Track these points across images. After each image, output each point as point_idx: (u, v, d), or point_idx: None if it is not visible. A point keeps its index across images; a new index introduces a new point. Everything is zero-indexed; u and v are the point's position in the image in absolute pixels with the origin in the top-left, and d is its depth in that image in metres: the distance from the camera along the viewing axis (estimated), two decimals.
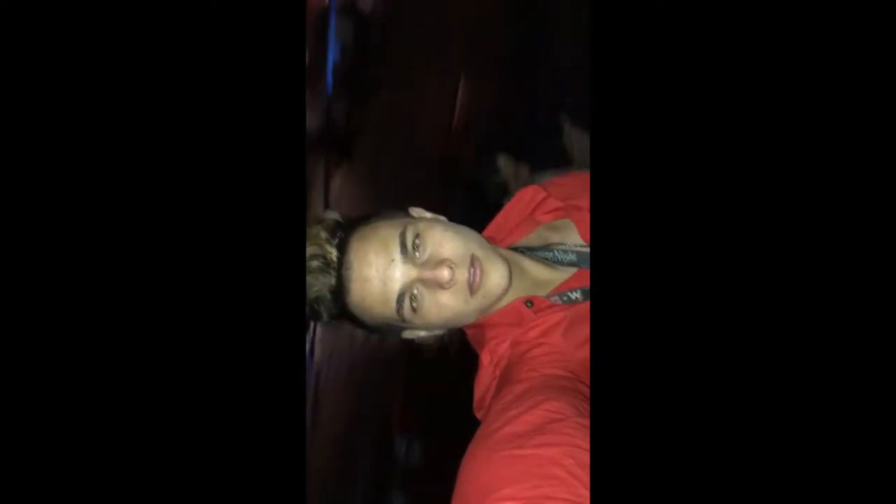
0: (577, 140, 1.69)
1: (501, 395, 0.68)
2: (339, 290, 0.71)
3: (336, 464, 1.60)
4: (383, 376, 1.71)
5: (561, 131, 1.73)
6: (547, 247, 0.81)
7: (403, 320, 0.72)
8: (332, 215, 0.74)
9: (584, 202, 0.80)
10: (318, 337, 1.41)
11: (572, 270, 0.78)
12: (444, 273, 0.69)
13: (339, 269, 0.71)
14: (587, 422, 0.57)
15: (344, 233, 0.73)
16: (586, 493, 0.50)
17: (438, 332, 0.80)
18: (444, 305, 0.71)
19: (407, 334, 0.80)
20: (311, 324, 1.26)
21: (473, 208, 1.26)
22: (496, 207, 0.85)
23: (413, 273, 0.70)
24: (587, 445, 0.54)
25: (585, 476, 0.51)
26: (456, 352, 0.88)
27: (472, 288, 0.71)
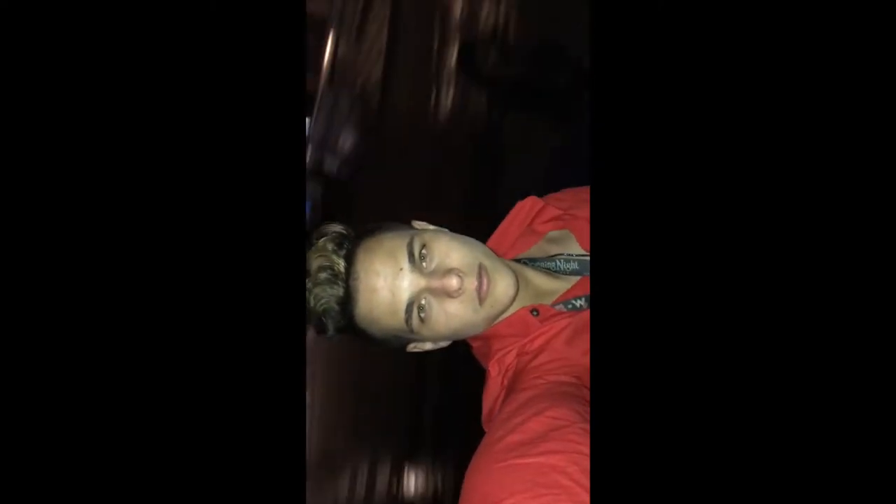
0: None
1: (506, 403, 0.68)
2: (347, 302, 0.72)
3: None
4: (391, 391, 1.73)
5: None
6: (549, 258, 0.81)
7: (412, 331, 0.72)
8: (338, 227, 0.75)
9: (583, 212, 0.80)
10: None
11: (575, 279, 0.78)
12: (453, 282, 0.69)
13: (347, 279, 0.71)
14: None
15: (350, 244, 0.73)
16: (590, 501, 0.49)
17: (444, 344, 0.80)
18: (453, 315, 0.71)
19: (413, 347, 0.80)
20: None
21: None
22: None
23: (421, 282, 0.70)
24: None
25: (590, 483, 0.50)
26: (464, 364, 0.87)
27: (481, 297, 0.71)
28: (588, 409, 0.61)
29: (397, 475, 1.78)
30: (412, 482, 1.78)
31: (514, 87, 2.02)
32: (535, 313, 0.74)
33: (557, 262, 0.80)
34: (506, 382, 0.74)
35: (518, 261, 0.81)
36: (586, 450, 0.54)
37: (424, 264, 0.71)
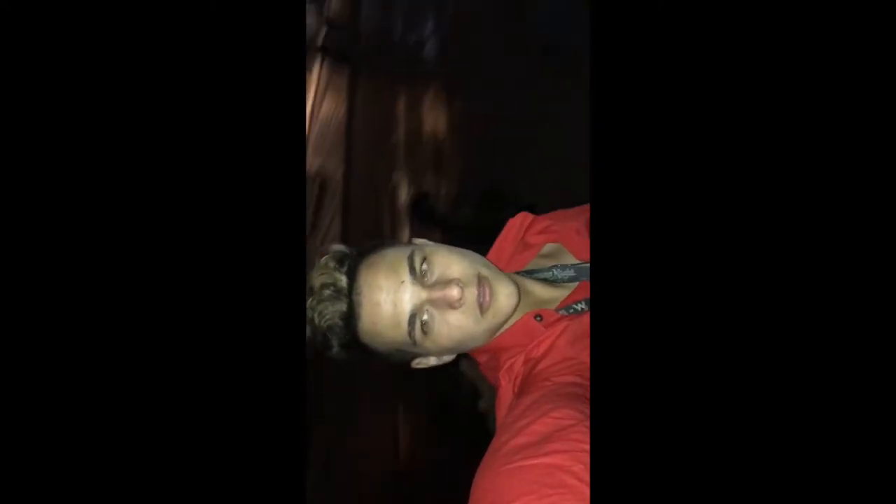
0: None
1: (513, 407, 0.68)
2: (351, 317, 0.73)
3: None
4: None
5: None
6: (545, 269, 0.82)
7: (415, 343, 0.73)
8: (339, 246, 0.76)
9: (572, 222, 0.82)
10: None
11: (573, 286, 0.79)
12: (454, 292, 0.70)
13: (350, 294, 0.72)
14: None
15: (352, 261, 0.74)
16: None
17: (448, 358, 0.81)
18: (455, 326, 0.72)
19: (417, 363, 0.81)
20: None
21: None
22: None
23: (423, 294, 0.71)
24: None
25: None
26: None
27: (483, 307, 0.72)
28: None
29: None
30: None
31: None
32: (538, 319, 0.75)
33: (554, 271, 0.81)
34: (516, 390, 0.74)
35: (516, 274, 0.82)
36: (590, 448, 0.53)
37: (426, 277, 0.72)
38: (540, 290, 0.80)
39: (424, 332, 0.72)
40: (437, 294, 0.71)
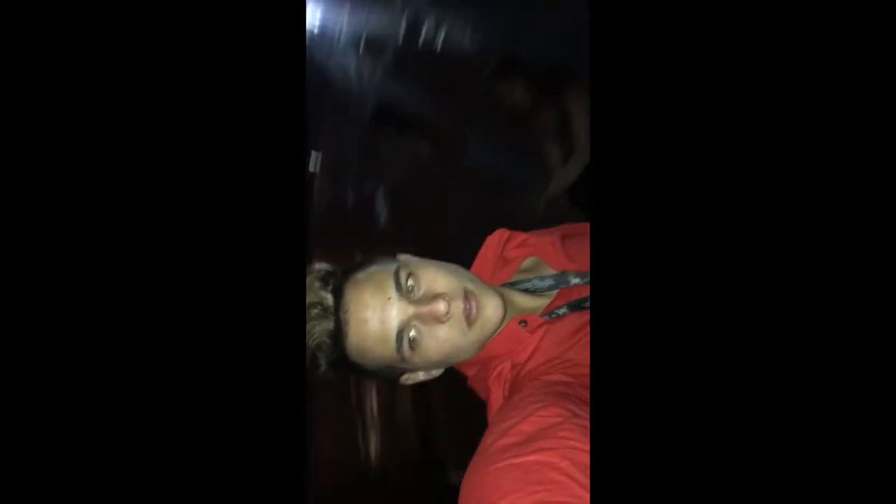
0: None
1: (502, 408, 0.69)
2: (338, 335, 0.73)
3: None
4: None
5: None
6: (525, 280, 0.84)
7: (403, 359, 0.73)
8: (323, 266, 0.76)
9: (548, 235, 0.84)
10: None
11: (553, 294, 0.81)
12: (441, 306, 0.70)
13: (337, 313, 0.72)
14: (585, 422, 0.58)
15: (337, 280, 0.74)
16: (585, 494, 0.50)
17: (437, 372, 0.81)
18: (443, 340, 0.72)
19: (406, 379, 0.80)
20: None
21: None
22: None
23: (410, 310, 0.72)
24: (584, 446, 0.54)
25: (583, 476, 0.51)
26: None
27: (469, 320, 0.72)
28: (581, 406, 0.61)
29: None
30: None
31: None
32: (523, 324, 0.76)
33: (534, 281, 0.82)
34: (506, 394, 0.75)
35: (500, 287, 0.83)
36: (578, 444, 0.54)
37: (412, 293, 0.72)
38: (523, 301, 0.81)
39: (412, 348, 0.72)
40: (423, 309, 0.71)
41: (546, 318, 0.77)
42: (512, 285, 0.83)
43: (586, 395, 0.65)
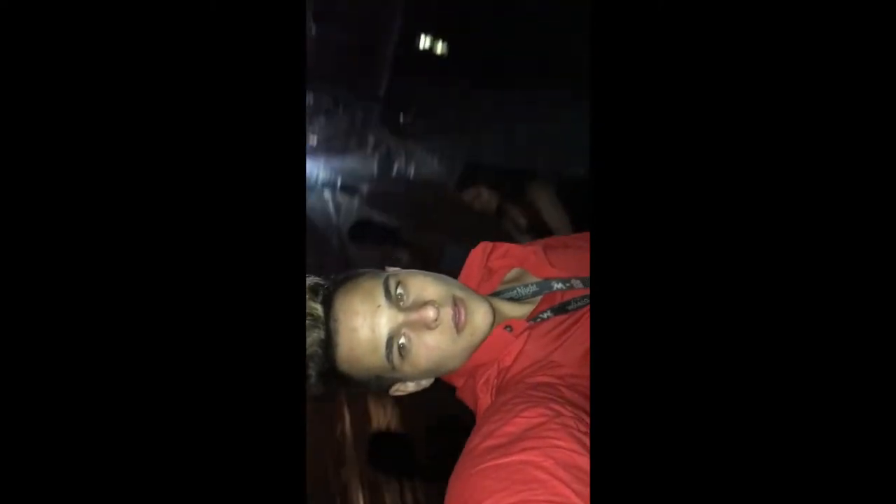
0: None
1: (486, 411, 0.69)
2: (328, 344, 0.73)
3: None
4: None
5: None
6: (510, 288, 0.86)
7: (393, 368, 0.73)
8: (312, 278, 0.78)
9: (531, 247, 0.88)
10: None
11: (537, 300, 0.83)
12: (430, 313, 0.71)
13: (327, 322, 0.73)
14: (570, 421, 0.58)
15: (326, 290, 0.76)
16: (568, 492, 0.50)
17: (426, 383, 0.81)
18: (433, 347, 0.73)
19: (395, 390, 0.80)
20: None
21: None
22: None
23: (399, 318, 0.73)
24: (568, 445, 0.55)
25: (567, 474, 0.51)
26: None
27: (458, 326, 0.73)
28: (566, 406, 0.62)
29: None
30: None
31: None
32: (508, 329, 0.77)
33: (518, 289, 0.85)
34: (493, 399, 0.74)
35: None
36: (562, 443, 0.55)
37: (401, 301, 0.74)
38: (508, 309, 0.83)
39: (402, 356, 0.73)
40: (413, 316, 0.72)
41: (531, 322, 0.79)
42: (497, 295, 0.86)
43: (570, 395, 0.66)
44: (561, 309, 0.79)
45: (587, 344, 0.74)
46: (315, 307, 0.74)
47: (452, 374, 0.81)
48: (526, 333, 0.77)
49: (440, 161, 2.57)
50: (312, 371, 0.74)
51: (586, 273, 0.84)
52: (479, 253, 0.89)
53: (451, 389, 0.84)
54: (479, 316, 0.75)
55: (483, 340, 0.77)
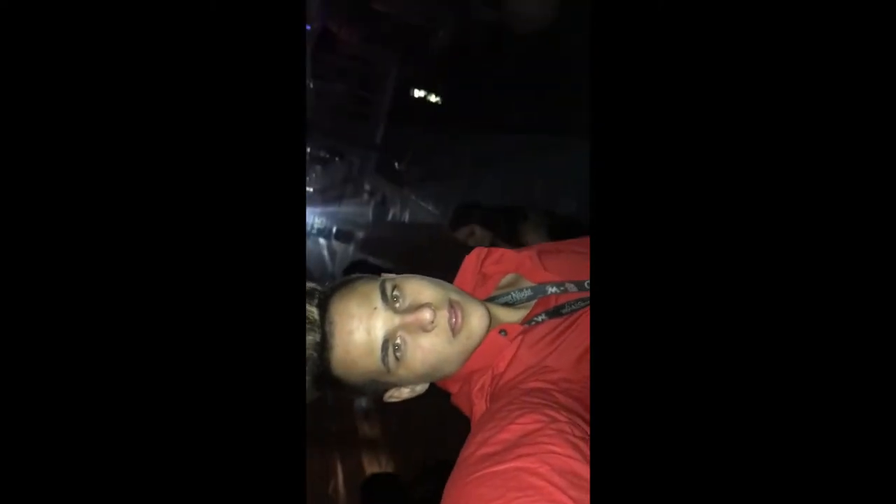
0: None
1: (481, 419, 0.68)
2: (324, 348, 0.72)
3: None
4: None
5: None
6: (505, 293, 0.86)
7: (388, 371, 0.72)
8: (308, 284, 0.78)
9: (526, 252, 0.88)
10: None
11: (532, 304, 0.82)
12: (426, 315, 0.71)
13: (323, 325, 0.73)
14: (565, 427, 0.58)
15: (322, 295, 0.76)
16: (564, 498, 0.50)
17: (421, 389, 0.80)
18: (429, 349, 0.72)
19: (390, 396, 0.79)
20: None
21: None
22: None
23: (395, 320, 0.72)
24: (564, 450, 0.54)
25: (563, 480, 0.51)
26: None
27: (454, 329, 0.72)
28: (561, 412, 0.62)
29: None
30: None
31: None
32: (503, 333, 0.77)
33: (513, 294, 0.85)
34: (487, 405, 0.73)
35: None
36: (558, 449, 0.54)
37: (398, 303, 0.73)
38: (503, 314, 0.83)
39: (398, 358, 0.72)
40: (409, 318, 0.72)
41: (525, 326, 0.78)
42: (492, 300, 0.85)
43: (564, 400, 0.66)
44: (555, 312, 0.79)
45: (581, 348, 0.74)
46: (311, 311, 0.74)
47: (447, 380, 0.80)
48: (520, 338, 0.76)
49: (435, 205, 2.62)
50: (307, 375, 0.74)
51: (580, 277, 0.84)
52: (473, 258, 0.89)
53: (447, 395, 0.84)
54: (476, 319, 0.75)
55: (479, 344, 0.76)
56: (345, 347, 0.72)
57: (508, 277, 0.88)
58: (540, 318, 0.78)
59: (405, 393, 0.79)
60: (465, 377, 0.77)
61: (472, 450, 0.58)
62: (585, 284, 0.84)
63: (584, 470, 0.52)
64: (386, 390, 0.78)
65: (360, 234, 3.07)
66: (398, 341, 0.72)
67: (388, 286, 0.74)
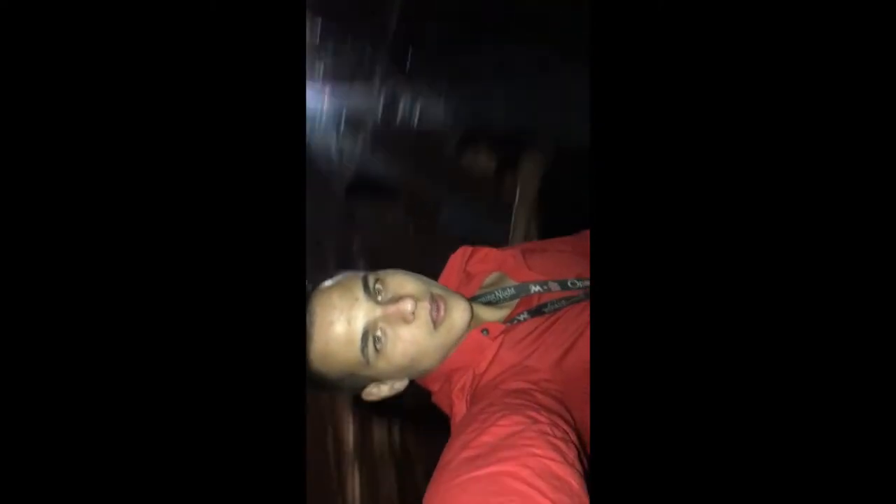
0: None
1: (462, 421, 0.70)
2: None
3: None
4: None
5: None
6: (488, 292, 0.88)
7: (368, 363, 0.75)
8: None
9: (510, 250, 0.89)
10: None
11: (514, 304, 0.84)
12: (408, 305, 0.73)
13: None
14: (546, 428, 0.59)
15: (306, 290, 0.78)
16: (546, 502, 0.50)
17: (401, 386, 0.83)
18: (409, 341, 0.75)
19: (368, 394, 0.83)
20: None
21: None
22: None
23: (377, 311, 0.74)
24: (545, 453, 0.55)
25: (545, 484, 0.52)
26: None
27: (436, 321, 0.75)
28: (542, 413, 0.63)
29: None
30: None
31: None
32: (485, 332, 0.79)
33: (496, 292, 0.87)
34: (468, 406, 0.77)
35: None
36: (539, 451, 0.55)
37: (380, 295, 0.76)
38: (486, 313, 0.85)
39: (377, 350, 0.74)
40: (390, 309, 0.74)
41: (507, 325, 0.81)
42: (475, 299, 0.87)
43: (545, 400, 0.67)
44: (537, 311, 0.81)
45: (562, 348, 0.76)
46: None
47: (428, 378, 0.84)
48: (502, 337, 0.78)
49: (445, 107, 2.53)
50: None
51: (564, 276, 0.85)
52: (458, 257, 0.90)
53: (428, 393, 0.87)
54: (458, 312, 0.77)
55: (460, 338, 0.78)
56: (325, 339, 0.74)
57: (493, 276, 0.89)
58: (522, 317, 0.80)
59: (384, 390, 0.81)
60: (445, 375, 0.80)
61: (454, 454, 0.60)
62: (568, 283, 0.85)
63: (565, 472, 0.54)
64: (364, 386, 0.80)
65: (369, 128, 2.98)
66: (378, 333, 0.73)
67: (371, 279, 0.75)
